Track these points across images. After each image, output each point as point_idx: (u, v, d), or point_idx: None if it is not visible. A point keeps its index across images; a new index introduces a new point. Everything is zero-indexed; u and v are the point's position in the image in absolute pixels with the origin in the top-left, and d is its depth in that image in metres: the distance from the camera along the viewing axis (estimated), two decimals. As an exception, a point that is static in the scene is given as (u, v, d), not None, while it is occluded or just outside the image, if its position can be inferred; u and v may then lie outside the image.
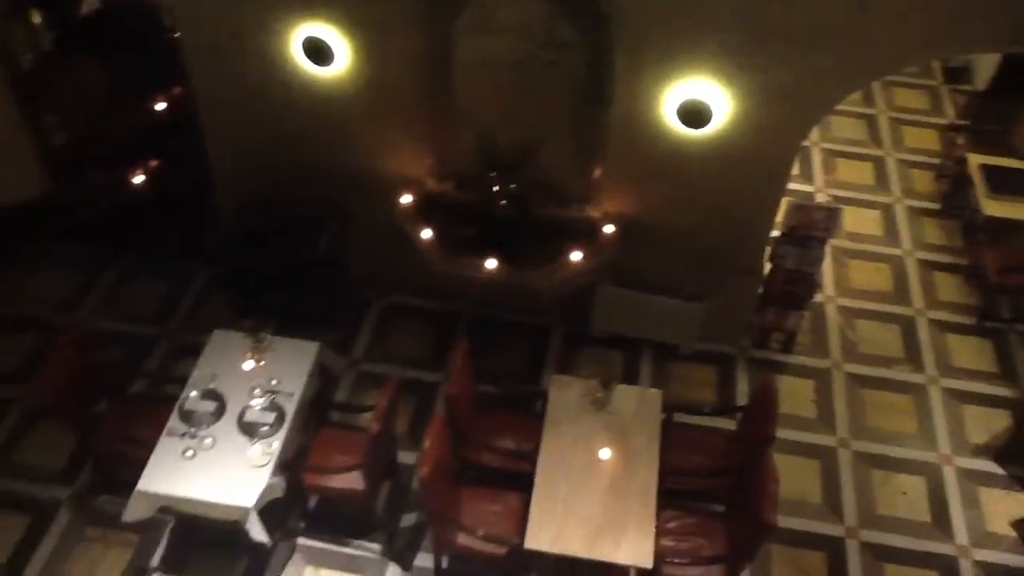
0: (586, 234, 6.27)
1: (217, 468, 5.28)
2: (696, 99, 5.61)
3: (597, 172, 6.19)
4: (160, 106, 7.73)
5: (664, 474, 5.39)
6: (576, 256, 6.12)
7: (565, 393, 5.71)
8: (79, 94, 7.81)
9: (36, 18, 7.34)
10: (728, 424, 6.38)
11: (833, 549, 6.01)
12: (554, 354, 7.04)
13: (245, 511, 5.13)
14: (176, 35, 6.54)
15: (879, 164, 8.96)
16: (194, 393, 5.62)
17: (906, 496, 6.32)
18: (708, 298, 6.68)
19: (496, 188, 6.12)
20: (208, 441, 5.40)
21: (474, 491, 5.51)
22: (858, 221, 8.29)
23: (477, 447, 5.70)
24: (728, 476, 5.65)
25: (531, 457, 5.49)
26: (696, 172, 6.02)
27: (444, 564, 5.65)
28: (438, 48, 5.70)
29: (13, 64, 7.06)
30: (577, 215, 6.33)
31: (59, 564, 5.72)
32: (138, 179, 7.58)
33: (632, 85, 5.69)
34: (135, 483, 5.24)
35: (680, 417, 6.03)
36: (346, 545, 5.83)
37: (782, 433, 5.69)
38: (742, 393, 6.85)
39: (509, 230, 6.22)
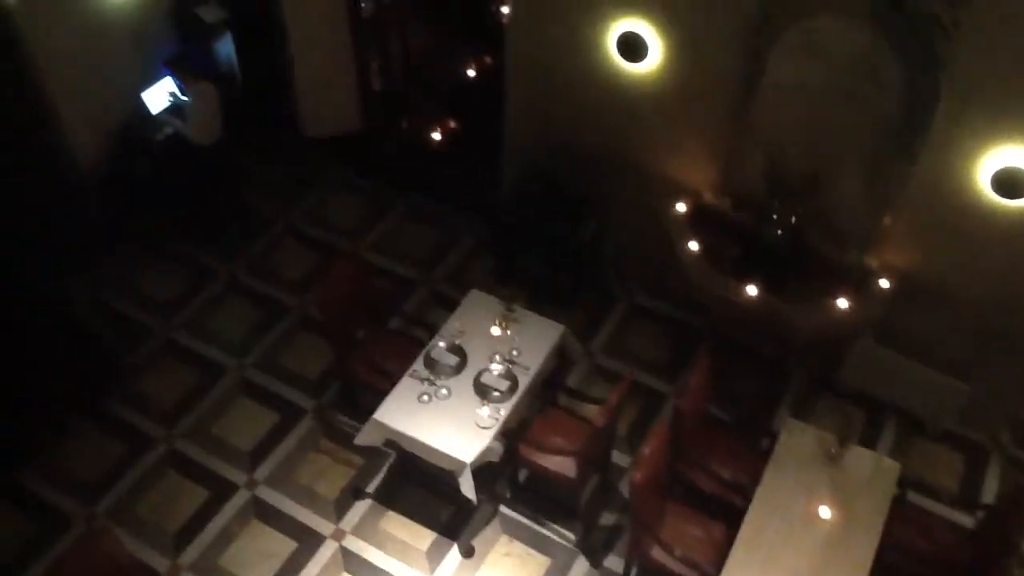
0: (858, 282, 5.95)
1: (446, 419, 5.57)
2: (1021, 168, 5.14)
3: (886, 221, 5.85)
4: (471, 71, 8.19)
5: (883, 550, 5.06)
6: (842, 303, 5.83)
7: (797, 439, 5.49)
8: (403, 48, 8.44)
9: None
10: (966, 520, 5.87)
11: None
12: (792, 395, 6.77)
13: (462, 465, 5.39)
14: (502, 9, 6.87)
15: None
16: (442, 344, 5.95)
17: None
18: (976, 379, 6.14)
19: (775, 215, 5.96)
20: (444, 391, 5.71)
21: (681, 509, 5.46)
22: None
23: (694, 467, 5.62)
24: (954, 575, 5.21)
25: (746, 492, 5.35)
26: (1003, 244, 5.52)
27: (633, 573, 5.65)
28: (751, 64, 5.61)
29: (356, 10, 7.73)
30: (853, 260, 6.03)
31: (292, 465, 6.30)
32: (437, 134, 8.10)
33: (948, 139, 5.31)
34: (373, 411, 5.65)
35: (914, 497, 5.63)
36: (543, 525, 5.98)
37: (1029, 547, 5.16)
38: (989, 491, 6.26)
39: (777, 259, 6.04)
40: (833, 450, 5.39)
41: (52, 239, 7.20)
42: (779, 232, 5.99)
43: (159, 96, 7.37)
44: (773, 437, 5.60)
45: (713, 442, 5.78)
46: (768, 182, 5.92)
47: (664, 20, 5.86)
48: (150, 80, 7.32)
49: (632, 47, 6.03)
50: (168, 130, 7.30)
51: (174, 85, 7.34)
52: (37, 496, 6.06)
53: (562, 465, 5.62)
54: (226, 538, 5.90)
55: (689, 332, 7.15)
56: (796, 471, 5.34)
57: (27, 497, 6.04)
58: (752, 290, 5.91)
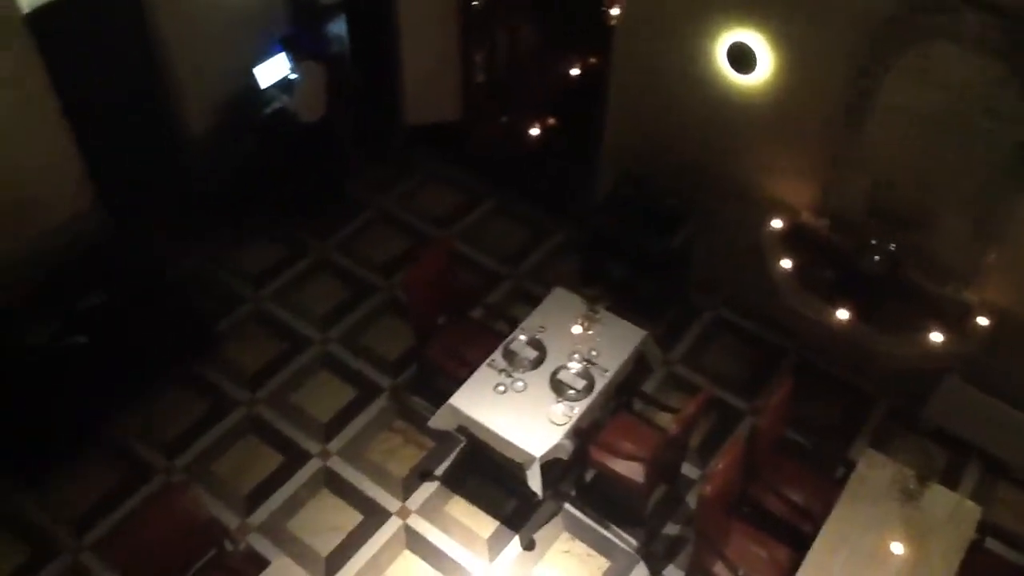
0: (954, 317, 5.78)
1: (520, 411, 5.61)
2: None
3: (991, 257, 5.67)
4: (574, 71, 8.21)
5: (955, 595, 4.92)
6: (935, 337, 5.67)
7: (875, 471, 5.36)
8: (509, 42, 8.51)
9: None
10: (1047, 573, 5.65)
11: None
12: (872, 426, 6.60)
13: (531, 458, 5.42)
14: (611, 11, 6.87)
15: None
16: (522, 337, 6.00)
17: None
18: (1072, 430, 5.91)
19: (873, 241, 5.83)
20: (520, 384, 5.75)
21: (747, 529, 5.39)
22: None
23: (765, 487, 5.54)
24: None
25: (815, 519, 5.25)
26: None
27: (693, 586, 5.61)
28: (864, 84, 5.49)
29: (467, 2, 7.82)
30: (951, 295, 5.85)
31: (364, 440, 6.43)
32: (535, 130, 8.14)
33: (1068, 178, 5.13)
34: (448, 396, 5.73)
35: (993, 544, 5.44)
36: (606, 528, 5.97)
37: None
38: (1076, 546, 6.01)
39: (871, 286, 5.91)
40: (911, 486, 5.25)
41: (157, 203, 7.51)
42: (876, 259, 5.86)
43: (270, 72, 7.59)
44: (849, 467, 5.50)
45: (786, 465, 5.69)
46: (870, 207, 5.80)
47: (778, 33, 5.79)
48: (263, 56, 7.53)
49: (742, 58, 5.98)
50: (275, 105, 7.51)
51: (285, 62, 7.55)
52: (124, 446, 6.32)
53: (631, 470, 5.61)
54: (296, 504, 6.06)
55: (772, 351, 7.04)
56: (870, 504, 5.22)
57: (115, 447, 6.32)
58: (842, 315, 5.80)
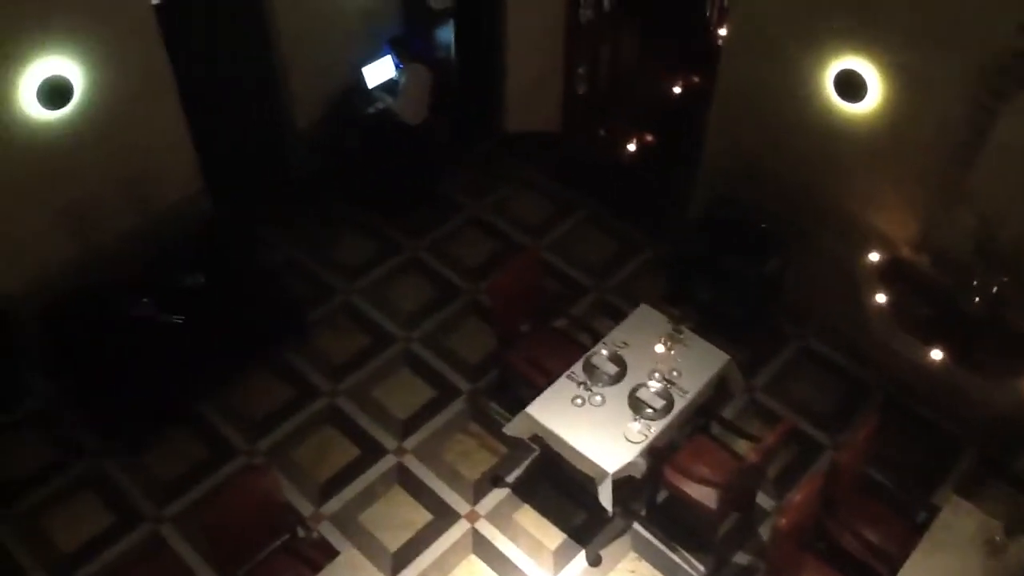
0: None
1: (597, 425, 5.60)
2: None
3: (1101, 308, 5.42)
4: (676, 89, 8.17)
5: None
6: (1034, 385, 5.45)
7: (960, 519, 5.17)
8: (613, 57, 8.52)
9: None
10: None
11: None
12: (959, 473, 6.36)
13: (604, 474, 5.40)
14: (718, 31, 6.82)
15: None
16: (604, 352, 5.99)
17: None
18: None
19: (975, 281, 5.63)
20: (598, 399, 5.74)
21: (820, 566, 5.25)
22: None
23: (841, 525, 5.40)
24: None
25: (893, 562, 5.10)
26: None
27: (758, 618, 5.51)
28: (979, 118, 5.32)
29: (574, 15, 7.87)
30: (1055, 344, 5.62)
31: (439, 441, 6.50)
32: (632, 146, 8.12)
33: None
34: (525, 404, 5.76)
35: (1083, 607, 5.17)
36: (674, 551, 5.91)
37: None
38: None
39: (970, 328, 5.70)
40: (997, 538, 5.04)
41: (261, 191, 7.76)
42: (977, 299, 5.65)
43: (377, 72, 7.77)
44: (932, 512, 5.31)
45: (866, 504, 5.53)
46: (975, 246, 5.60)
47: (890, 62, 5.66)
48: (372, 56, 7.72)
49: (851, 86, 5.86)
50: (380, 105, 7.68)
51: (392, 63, 7.71)
52: (212, 425, 6.54)
53: (704, 495, 5.53)
54: (368, 497, 6.17)
55: (859, 386, 6.86)
56: (952, 552, 5.03)
57: (203, 425, 6.54)
58: (937, 355, 5.61)
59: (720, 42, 6.77)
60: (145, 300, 6.29)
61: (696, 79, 8.41)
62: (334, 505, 6.13)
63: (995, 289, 5.61)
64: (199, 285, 6.46)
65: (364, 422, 6.59)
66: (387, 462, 6.37)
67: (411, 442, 6.49)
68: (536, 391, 5.87)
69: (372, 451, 6.43)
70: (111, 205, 6.56)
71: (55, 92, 5.85)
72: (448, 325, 7.27)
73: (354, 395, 6.76)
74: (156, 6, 6.25)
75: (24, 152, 5.94)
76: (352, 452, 6.42)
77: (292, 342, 7.02)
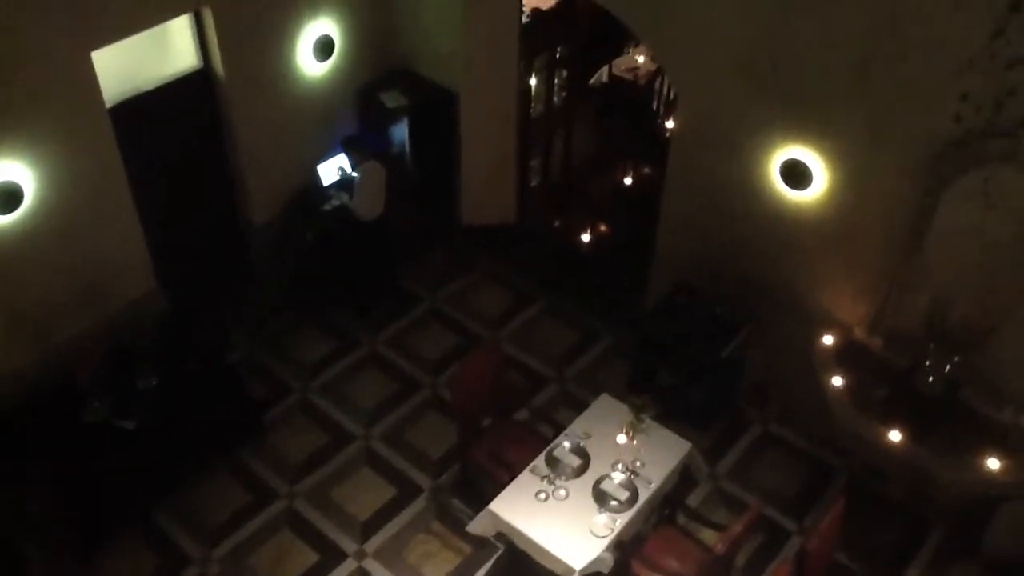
0: (1014, 443, 5.58)
1: (561, 520, 5.50)
2: None
3: (1052, 384, 5.51)
4: (628, 179, 8.35)
5: None
6: (993, 464, 5.48)
7: (931, 603, 5.12)
8: (565, 148, 8.71)
9: (558, 78, 8.31)
10: None
11: None
12: (928, 553, 6.33)
13: (571, 571, 5.28)
14: (666, 124, 7.02)
15: None
16: (567, 444, 5.93)
17: None
18: None
19: (929, 361, 5.70)
20: (562, 492, 5.65)
21: (793, 658, 5.15)
22: None
23: (812, 614, 5.32)
24: None
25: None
26: None
27: None
28: (922, 204, 5.48)
29: (526, 110, 8.05)
30: (1010, 420, 5.68)
31: (402, 542, 6.33)
32: (587, 235, 8.24)
33: None
34: (489, 500, 5.65)
35: None
36: (646, 647, 5.75)
37: None
38: None
39: (927, 408, 5.75)
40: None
41: (217, 289, 7.69)
42: (931, 380, 5.73)
43: (332, 169, 7.83)
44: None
45: (837, 591, 5.46)
46: (927, 327, 5.70)
47: (834, 151, 5.83)
48: (326, 154, 7.80)
49: (796, 175, 6.02)
50: (335, 202, 7.71)
51: (347, 161, 7.79)
52: (165, 531, 6.32)
53: (673, 588, 5.43)
54: (329, 605, 5.97)
55: (823, 470, 6.84)
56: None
57: (155, 531, 6.32)
58: (896, 436, 5.64)
59: (668, 133, 6.94)
60: (96, 405, 6.13)
61: (647, 169, 8.62)
62: (293, 614, 5.92)
63: (948, 369, 5.69)
64: (152, 387, 6.32)
65: (323, 525, 6.41)
66: (347, 567, 6.17)
67: (372, 545, 6.30)
68: (499, 486, 5.77)
69: (332, 556, 6.23)
70: (64, 308, 6.44)
71: (5, 197, 5.79)
72: (408, 420, 7.17)
73: (312, 497, 6.59)
74: (111, 108, 6.27)
75: (-28, 259, 5.85)
76: (311, 557, 6.22)
77: (248, 442, 6.86)
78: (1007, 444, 5.55)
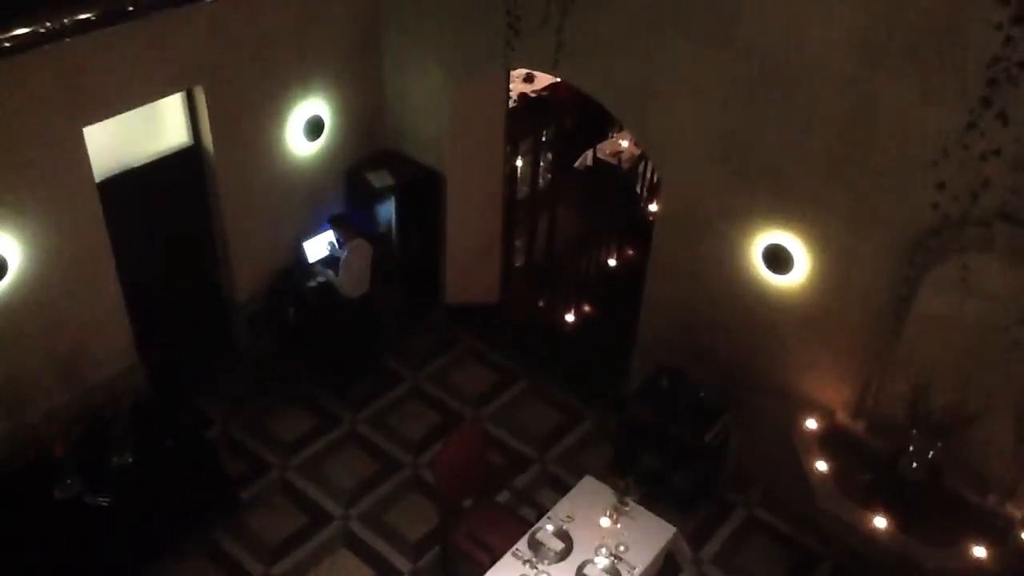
0: (997, 531, 5.56)
1: (544, 606, 5.39)
2: None
3: (1035, 470, 5.52)
4: (612, 261, 8.44)
5: None
6: (978, 551, 5.44)
7: None
8: (549, 230, 8.82)
9: (544, 161, 8.47)
10: None
11: None
12: (915, 644, 6.23)
13: (553, 660, 5.16)
14: (649, 207, 7.14)
15: None
16: (549, 527, 5.84)
17: None
18: None
19: (911, 447, 5.71)
20: (544, 576, 5.56)
21: None
22: None
23: None
24: None
25: None
26: None
27: None
28: (903, 291, 5.56)
29: (512, 191, 8.17)
30: (993, 507, 5.66)
31: (380, 626, 6.18)
32: (570, 316, 8.27)
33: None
34: (470, 585, 5.54)
35: None
36: None
37: None
38: None
39: (910, 493, 5.73)
40: None
41: (198, 365, 7.63)
42: (914, 465, 5.72)
43: (318, 247, 7.87)
44: None
45: None
46: (910, 412, 5.72)
47: (815, 236, 5.94)
48: (313, 231, 7.85)
49: (778, 260, 6.11)
50: (320, 279, 7.73)
51: (333, 238, 7.83)
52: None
53: None
54: None
55: (807, 555, 6.77)
56: None
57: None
58: (880, 522, 5.60)
59: (652, 216, 7.05)
60: (70, 481, 6.00)
61: (631, 251, 8.73)
62: None
63: (931, 455, 5.70)
64: (127, 464, 6.21)
65: (299, 610, 6.25)
66: (323, 653, 6.01)
67: (348, 631, 6.15)
68: (479, 570, 5.66)
69: (306, 643, 6.06)
70: (42, 382, 6.36)
71: (-8, 269, 5.77)
72: (388, 501, 7.05)
73: (289, 579, 6.44)
74: (99, 183, 6.30)
75: (-49, 332, 5.79)
76: (285, 644, 6.06)
77: (224, 522, 6.71)
78: (992, 531, 5.52)
